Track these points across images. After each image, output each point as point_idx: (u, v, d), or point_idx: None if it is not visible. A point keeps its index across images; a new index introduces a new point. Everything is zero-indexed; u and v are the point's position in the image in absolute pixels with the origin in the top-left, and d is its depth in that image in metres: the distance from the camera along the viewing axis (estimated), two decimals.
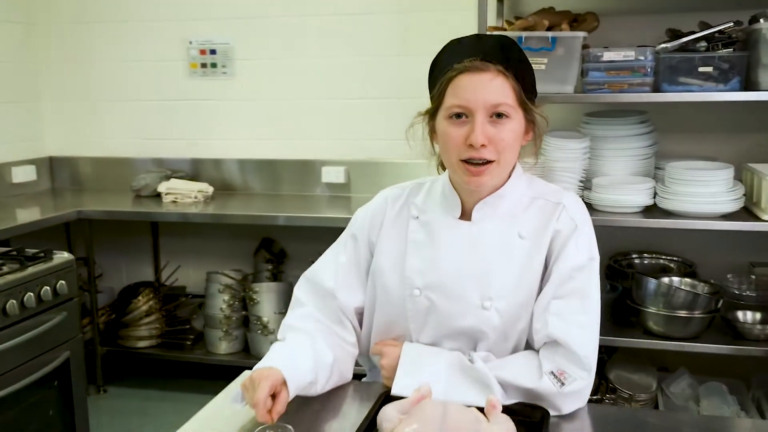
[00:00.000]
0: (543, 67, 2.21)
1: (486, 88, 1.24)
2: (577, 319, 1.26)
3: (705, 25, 2.24)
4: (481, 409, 1.14)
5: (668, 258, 2.58)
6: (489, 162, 1.26)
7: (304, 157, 3.31)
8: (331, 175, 3.29)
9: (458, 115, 1.26)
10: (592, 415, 1.29)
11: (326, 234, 2.52)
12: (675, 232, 2.59)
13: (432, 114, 1.33)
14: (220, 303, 3.16)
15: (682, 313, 2.19)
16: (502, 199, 1.34)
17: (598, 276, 1.33)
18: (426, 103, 1.35)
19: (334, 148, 3.27)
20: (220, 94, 3.36)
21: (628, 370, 2.45)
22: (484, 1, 2.15)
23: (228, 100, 3.36)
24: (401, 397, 1.19)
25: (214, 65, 3.37)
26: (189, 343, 3.25)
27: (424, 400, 1.12)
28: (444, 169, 1.39)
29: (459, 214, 1.36)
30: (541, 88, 2.25)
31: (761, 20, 2.04)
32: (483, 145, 1.24)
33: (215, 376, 1.36)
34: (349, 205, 3.14)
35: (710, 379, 2.40)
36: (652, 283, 2.22)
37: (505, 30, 2.26)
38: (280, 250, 3.40)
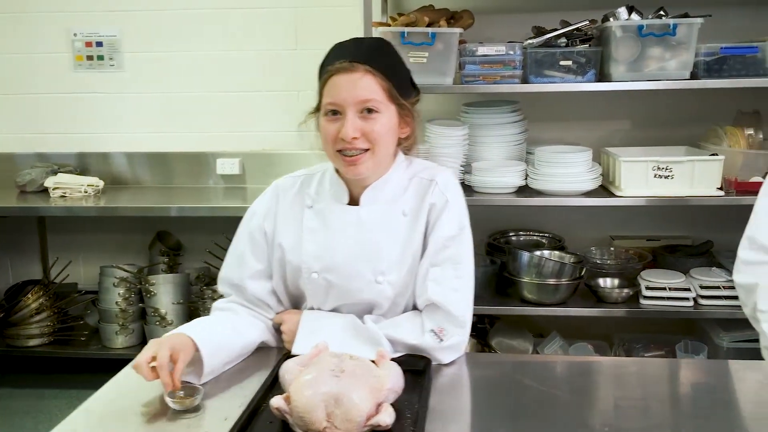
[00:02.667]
0: (424, 60, 2.39)
1: (355, 85, 1.38)
2: (452, 284, 1.44)
3: (566, 23, 2.50)
4: (373, 362, 1.28)
5: (540, 234, 2.85)
6: (364, 151, 1.41)
7: (198, 149, 3.33)
8: (226, 167, 3.33)
9: (333, 112, 1.40)
10: (468, 361, 1.48)
11: (222, 225, 2.61)
12: (546, 211, 2.86)
13: (317, 111, 1.47)
14: (116, 297, 3.13)
15: (551, 281, 2.45)
16: (386, 183, 1.49)
17: (471, 244, 1.51)
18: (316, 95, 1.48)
19: (229, 140, 3.32)
20: (108, 87, 3.32)
21: (508, 336, 2.69)
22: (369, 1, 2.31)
23: (117, 93, 3.32)
24: None
25: (101, 58, 3.32)
26: (83, 339, 3.21)
27: (322, 353, 1.25)
28: None
29: (347, 200, 1.49)
30: (423, 80, 2.46)
31: (611, 19, 2.31)
32: (354, 138, 1.38)
33: (113, 370, 1.42)
34: (244, 195, 3.20)
35: (578, 341, 2.68)
36: (524, 255, 2.46)
37: (389, 25, 2.41)
38: (177, 243, 3.42)
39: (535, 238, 2.84)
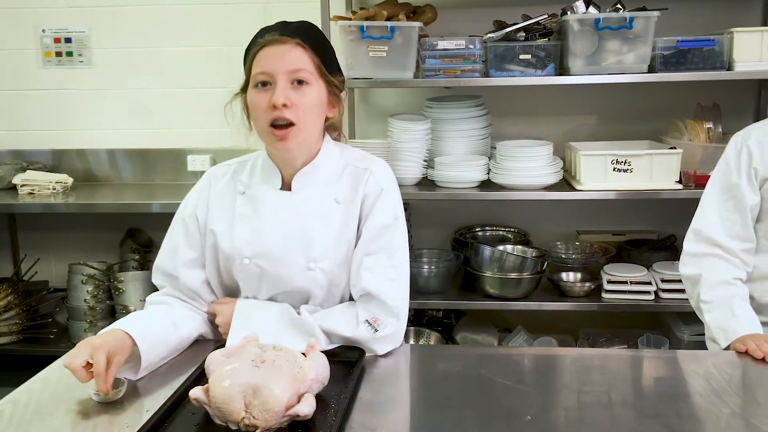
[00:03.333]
0: (384, 54, 2.39)
1: (285, 56, 1.38)
2: (387, 273, 1.43)
3: (527, 18, 2.50)
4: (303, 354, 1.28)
5: (506, 229, 2.85)
6: (291, 125, 1.39)
7: (169, 146, 3.32)
8: (197, 163, 3.32)
9: (263, 83, 1.39)
10: (406, 353, 1.48)
11: None
12: (512, 206, 2.86)
13: (244, 89, 1.46)
14: (84, 294, 3.12)
15: (513, 275, 2.44)
16: (317, 168, 1.48)
17: (405, 234, 1.50)
18: None
19: (199, 136, 3.31)
20: (78, 84, 3.30)
21: (472, 331, 2.69)
22: None
23: (87, 89, 3.31)
24: None
25: (69, 54, 3.30)
26: (52, 337, 3.19)
27: (246, 344, 1.24)
28: None
29: (279, 185, 1.48)
30: (383, 74, 2.46)
31: (568, 13, 2.31)
32: (285, 105, 1.36)
33: None
34: None
35: (543, 335, 2.68)
36: (486, 250, 2.46)
37: (349, 19, 2.41)
38: (148, 240, 3.40)
39: (501, 233, 2.85)
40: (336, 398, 1.20)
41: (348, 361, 1.34)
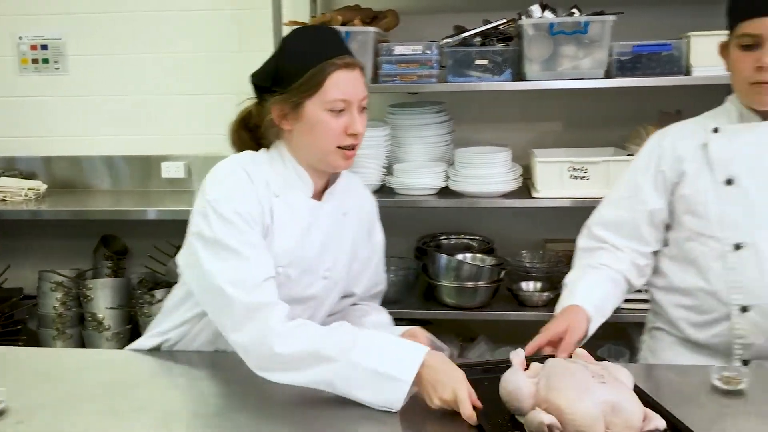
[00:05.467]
0: None
1: (359, 82, 1.45)
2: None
3: (488, 23, 2.47)
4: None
5: (471, 237, 2.80)
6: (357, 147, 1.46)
7: (143, 153, 3.33)
8: (171, 170, 3.32)
9: (340, 108, 1.41)
10: None
11: (167, 228, 2.58)
12: (478, 213, 2.82)
13: (296, 100, 1.41)
14: (53, 302, 3.13)
15: (469, 284, 2.40)
16: (339, 181, 1.55)
17: None
18: None
19: (174, 143, 3.31)
20: (54, 91, 3.32)
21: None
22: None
23: (63, 96, 3.33)
24: None
25: (46, 61, 3.33)
26: (21, 344, 3.19)
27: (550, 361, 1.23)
28: None
29: (311, 194, 1.50)
30: None
31: (523, 17, 2.28)
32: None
33: None
34: (189, 199, 3.17)
35: (506, 345, 2.62)
36: (443, 259, 2.42)
37: (305, 24, 2.39)
38: (123, 247, 3.40)
39: (465, 241, 2.80)
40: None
41: None
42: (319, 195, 1.51)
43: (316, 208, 1.50)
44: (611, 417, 1.05)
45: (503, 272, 2.44)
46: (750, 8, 1.42)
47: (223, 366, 1.46)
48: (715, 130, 1.53)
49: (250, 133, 1.51)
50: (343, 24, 2.36)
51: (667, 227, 1.62)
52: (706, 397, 1.27)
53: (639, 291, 2.30)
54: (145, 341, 1.57)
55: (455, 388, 1.17)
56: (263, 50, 1.48)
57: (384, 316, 1.64)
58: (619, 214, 1.62)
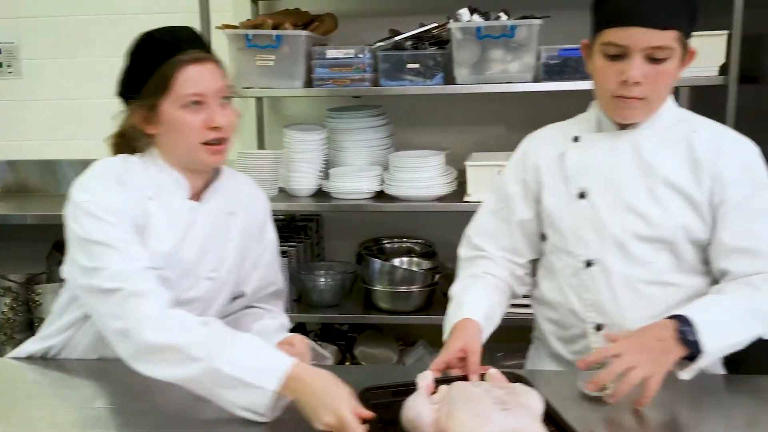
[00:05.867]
0: (271, 63, 2.36)
1: (215, 77, 1.42)
2: None
3: (423, 26, 2.46)
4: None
5: (414, 241, 2.80)
6: (224, 141, 1.44)
7: (95, 156, 3.31)
8: None
9: (195, 103, 1.40)
10: None
11: None
12: (420, 217, 2.81)
13: (151, 103, 1.40)
14: (2, 306, 3.12)
15: (403, 289, 2.39)
16: (220, 180, 1.53)
17: None
18: None
19: None
20: (6, 95, 3.32)
21: (372, 346, 2.64)
22: (206, 3, 2.29)
23: (16, 100, 3.32)
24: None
25: None
26: None
27: (454, 384, 1.18)
28: None
29: (189, 195, 1.49)
30: (271, 82, 2.43)
31: (451, 21, 2.27)
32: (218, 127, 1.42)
33: None
34: None
35: None
36: (376, 263, 2.41)
37: (236, 27, 2.39)
38: None
39: (408, 244, 2.80)
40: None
41: None
42: (198, 195, 1.50)
43: (194, 208, 1.48)
44: None
45: (437, 276, 2.43)
46: (618, 16, 1.28)
47: (108, 375, 1.45)
48: (576, 139, 1.45)
49: (128, 142, 1.49)
50: (275, 27, 2.35)
51: (543, 237, 1.55)
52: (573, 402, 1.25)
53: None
54: (29, 345, 1.57)
55: (336, 409, 1.11)
56: None
57: (275, 321, 1.61)
58: (494, 224, 1.57)
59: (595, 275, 1.42)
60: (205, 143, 1.41)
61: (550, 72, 2.24)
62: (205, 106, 1.40)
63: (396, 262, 2.52)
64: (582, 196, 1.42)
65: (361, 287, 2.57)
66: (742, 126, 2.33)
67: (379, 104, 2.62)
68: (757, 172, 1.38)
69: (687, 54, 1.33)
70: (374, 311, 2.49)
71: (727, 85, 2.15)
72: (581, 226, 1.43)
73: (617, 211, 1.40)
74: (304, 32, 2.36)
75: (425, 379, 1.18)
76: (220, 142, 1.42)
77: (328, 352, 1.50)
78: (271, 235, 1.66)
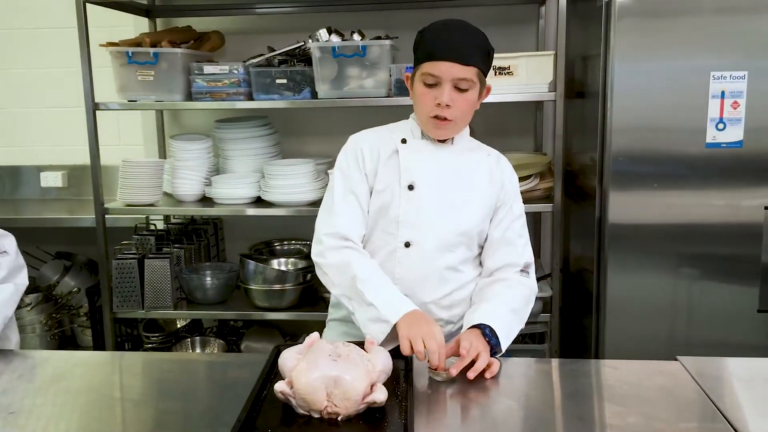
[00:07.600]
0: (151, 78, 2.55)
1: None
2: None
3: (289, 46, 2.63)
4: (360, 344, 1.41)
5: (303, 242, 2.98)
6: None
7: (24, 163, 3.48)
8: (50, 179, 3.48)
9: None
10: None
11: (46, 236, 2.64)
12: (309, 220, 2.98)
13: None
14: None
15: (276, 287, 2.58)
16: None
17: None
18: None
19: (53, 154, 3.47)
20: None
21: (255, 340, 2.83)
22: (82, 20, 2.47)
23: None
24: None
25: None
26: None
27: (316, 342, 1.37)
28: None
29: None
30: (152, 96, 2.59)
31: (311, 41, 2.46)
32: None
33: None
34: (69, 207, 3.34)
35: None
36: (251, 264, 2.60)
37: (117, 45, 2.57)
38: None
39: (297, 246, 2.98)
40: (397, 387, 1.36)
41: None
42: None
43: None
44: (333, 389, 1.22)
45: (309, 275, 2.62)
46: (433, 53, 1.60)
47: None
48: (404, 141, 1.72)
49: None
50: (153, 45, 2.54)
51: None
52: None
53: None
54: None
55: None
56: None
57: None
58: (349, 212, 1.70)
59: (412, 254, 1.68)
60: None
61: (401, 88, 2.42)
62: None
63: (274, 263, 2.71)
64: (411, 187, 1.68)
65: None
66: (570, 134, 2.55)
67: (265, 116, 2.81)
68: (515, 185, 1.80)
69: (485, 89, 1.68)
70: (253, 309, 2.68)
71: (555, 100, 2.34)
72: (407, 212, 1.68)
73: (438, 204, 1.68)
74: (180, 50, 2.55)
75: (309, 338, 1.40)
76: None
77: None
78: None
